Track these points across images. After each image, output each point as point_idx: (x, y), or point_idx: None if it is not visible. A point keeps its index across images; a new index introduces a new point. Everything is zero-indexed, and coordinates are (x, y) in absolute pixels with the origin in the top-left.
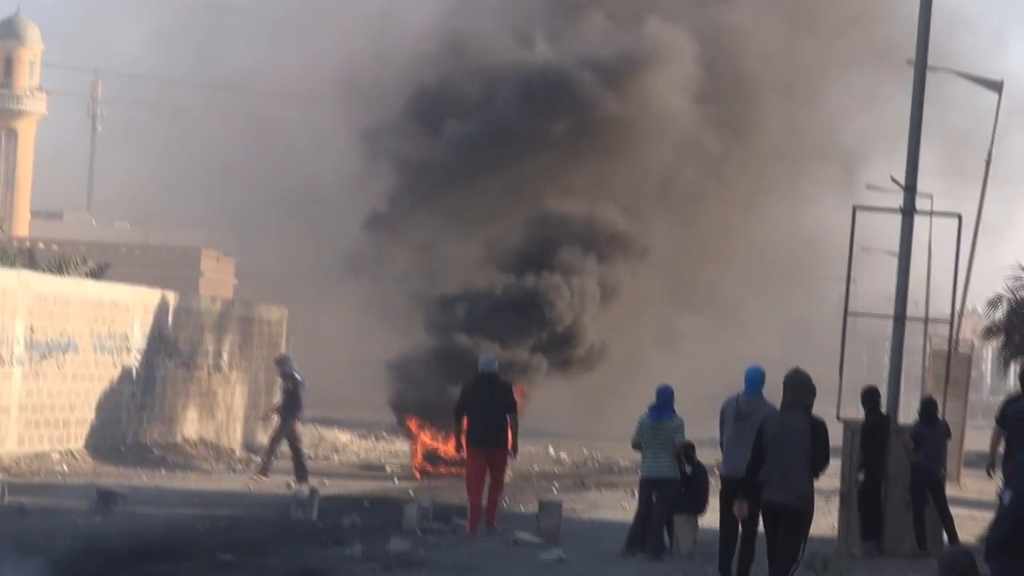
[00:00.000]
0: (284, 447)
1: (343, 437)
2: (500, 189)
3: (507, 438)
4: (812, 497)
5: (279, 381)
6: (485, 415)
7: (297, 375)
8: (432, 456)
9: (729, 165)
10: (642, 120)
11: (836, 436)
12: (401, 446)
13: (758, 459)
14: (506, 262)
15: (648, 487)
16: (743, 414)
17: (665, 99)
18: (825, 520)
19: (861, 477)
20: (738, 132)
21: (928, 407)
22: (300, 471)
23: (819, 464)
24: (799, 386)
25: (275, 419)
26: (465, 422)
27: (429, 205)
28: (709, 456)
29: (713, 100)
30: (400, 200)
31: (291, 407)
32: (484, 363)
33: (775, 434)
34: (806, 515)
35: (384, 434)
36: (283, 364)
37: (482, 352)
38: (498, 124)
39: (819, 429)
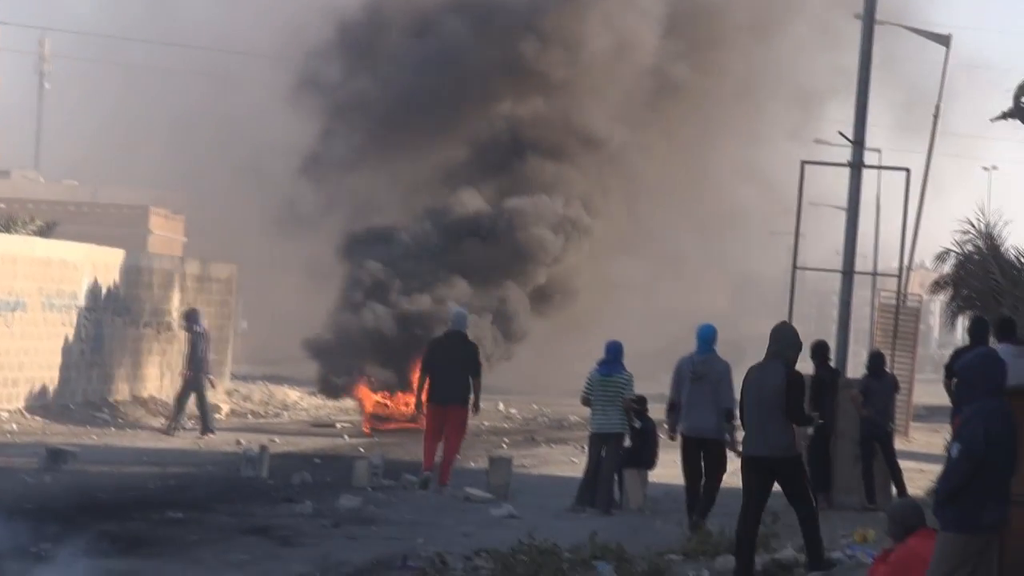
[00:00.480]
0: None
1: (293, 394)
2: (439, 125)
3: (467, 398)
4: (793, 444)
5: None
6: (448, 373)
7: (199, 328)
8: (382, 414)
9: (684, 102)
10: (588, 48)
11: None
12: (351, 403)
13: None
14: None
15: (598, 442)
16: (699, 373)
17: (614, 21)
18: None
19: (810, 431)
20: (696, 68)
21: (876, 361)
22: (206, 422)
23: (792, 414)
24: (783, 338)
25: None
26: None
27: (366, 144)
28: (660, 411)
29: (673, 33)
30: (334, 139)
31: (194, 361)
32: (454, 319)
33: (752, 386)
34: (791, 460)
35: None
36: (187, 318)
37: (452, 307)
38: (439, 53)
39: (793, 382)
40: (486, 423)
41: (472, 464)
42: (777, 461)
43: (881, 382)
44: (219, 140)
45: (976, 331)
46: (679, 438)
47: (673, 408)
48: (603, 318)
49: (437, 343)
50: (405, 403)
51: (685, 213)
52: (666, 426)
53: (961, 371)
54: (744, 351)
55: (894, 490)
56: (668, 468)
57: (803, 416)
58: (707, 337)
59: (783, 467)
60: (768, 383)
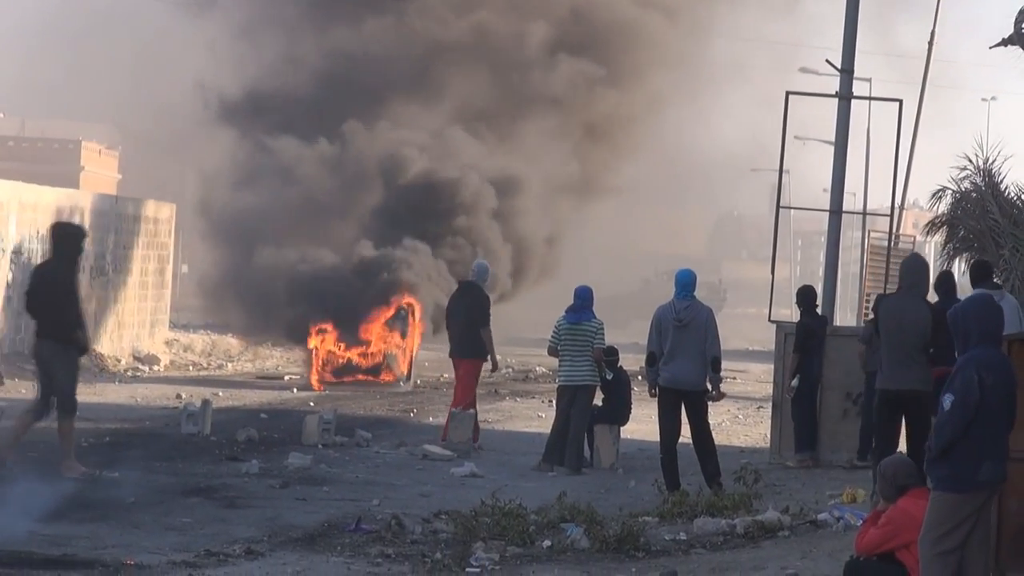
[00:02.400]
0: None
1: (237, 344)
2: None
3: (478, 351)
4: (931, 378)
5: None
6: (458, 325)
7: None
8: (335, 364)
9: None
10: None
11: (769, 339)
12: (301, 353)
13: (869, 338)
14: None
15: (566, 395)
16: (683, 320)
17: None
18: (756, 430)
19: (795, 383)
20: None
21: None
22: None
23: (939, 352)
24: (918, 270)
25: None
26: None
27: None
28: (633, 361)
29: None
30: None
31: None
32: (474, 270)
33: (892, 319)
34: (927, 396)
35: (282, 341)
36: None
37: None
38: None
39: (941, 319)
40: (445, 375)
41: (431, 419)
42: (915, 395)
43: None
44: (158, 71)
45: (977, 274)
46: (657, 391)
47: (653, 360)
48: (571, 262)
49: (453, 295)
50: (359, 353)
51: (660, 151)
52: (644, 379)
53: (954, 317)
54: (724, 297)
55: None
56: (642, 423)
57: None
58: (687, 282)
59: (917, 402)
60: (910, 317)
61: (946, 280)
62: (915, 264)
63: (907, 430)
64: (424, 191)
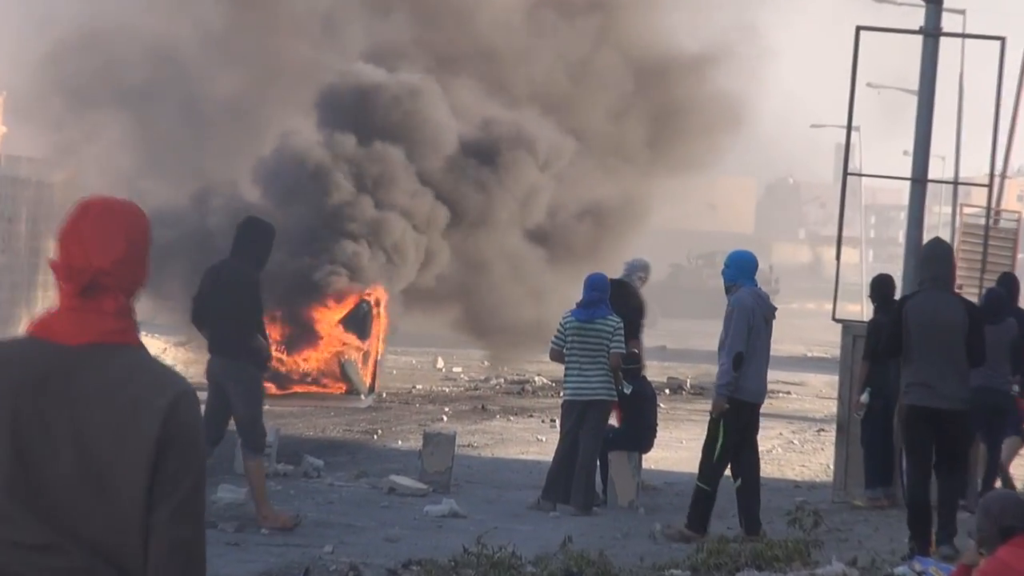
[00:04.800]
0: None
1: (155, 345)
2: None
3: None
4: (970, 394)
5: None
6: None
7: None
8: (277, 372)
9: None
10: None
11: (832, 343)
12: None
13: (889, 350)
14: None
15: (574, 413)
16: (769, 316)
17: None
18: (816, 459)
19: (865, 399)
20: None
21: (995, 300)
22: None
23: (977, 358)
24: (942, 260)
25: None
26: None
27: None
28: (659, 370)
29: None
30: None
31: None
32: (628, 264)
33: (924, 321)
34: (965, 415)
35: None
36: None
37: None
38: None
39: (978, 320)
40: (419, 386)
41: (399, 443)
42: (953, 414)
43: (998, 328)
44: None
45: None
46: (727, 407)
47: (740, 363)
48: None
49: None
50: (304, 359)
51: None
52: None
53: None
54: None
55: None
56: (669, 450)
57: (984, 357)
58: (753, 267)
59: (955, 420)
60: (944, 319)
61: (884, 284)
62: (937, 251)
63: (937, 456)
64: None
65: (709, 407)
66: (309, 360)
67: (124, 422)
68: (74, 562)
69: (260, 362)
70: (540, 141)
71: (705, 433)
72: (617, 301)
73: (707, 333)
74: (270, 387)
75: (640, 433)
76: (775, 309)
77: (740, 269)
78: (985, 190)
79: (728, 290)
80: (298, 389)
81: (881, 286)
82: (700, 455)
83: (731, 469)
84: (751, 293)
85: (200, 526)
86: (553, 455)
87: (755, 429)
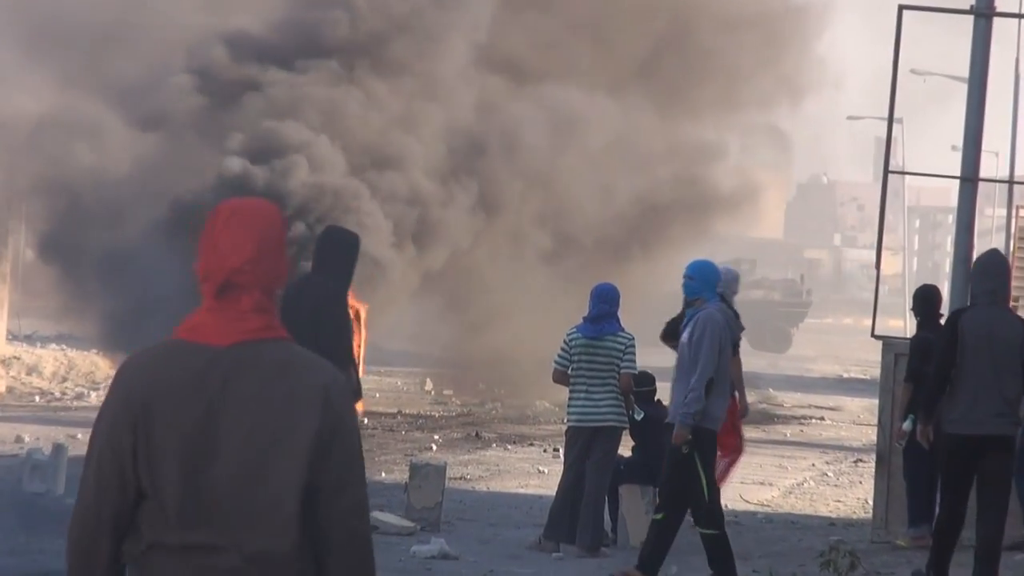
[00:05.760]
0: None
1: (106, 365)
2: None
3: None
4: (1020, 417)
5: None
6: None
7: None
8: None
9: None
10: None
11: (872, 362)
12: None
13: (946, 369)
14: None
15: (580, 441)
16: (737, 337)
17: None
18: (853, 493)
19: (908, 426)
20: None
21: None
22: None
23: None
24: (998, 272)
25: None
26: None
27: None
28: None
29: None
30: None
31: None
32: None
33: (978, 339)
34: (1012, 440)
35: None
36: None
37: None
38: None
39: None
40: (405, 410)
41: (382, 475)
42: (998, 440)
43: None
44: None
45: None
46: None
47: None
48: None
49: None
50: None
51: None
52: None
53: None
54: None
55: None
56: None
57: None
58: (718, 280)
59: (1000, 447)
60: (1003, 336)
61: (929, 297)
62: (994, 264)
63: (979, 488)
64: None
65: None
66: None
67: (281, 418)
68: (233, 562)
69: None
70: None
71: (670, 470)
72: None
73: None
74: None
75: (654, 464)
76: (743, 330)
77: (705, 282)
78: None
79: (689, 305)
80: None
81: (926, 299)
82: (680, 499)
83: (659, 501)
84: (722, 311)
85: (368, 518)
86: (556, 489)
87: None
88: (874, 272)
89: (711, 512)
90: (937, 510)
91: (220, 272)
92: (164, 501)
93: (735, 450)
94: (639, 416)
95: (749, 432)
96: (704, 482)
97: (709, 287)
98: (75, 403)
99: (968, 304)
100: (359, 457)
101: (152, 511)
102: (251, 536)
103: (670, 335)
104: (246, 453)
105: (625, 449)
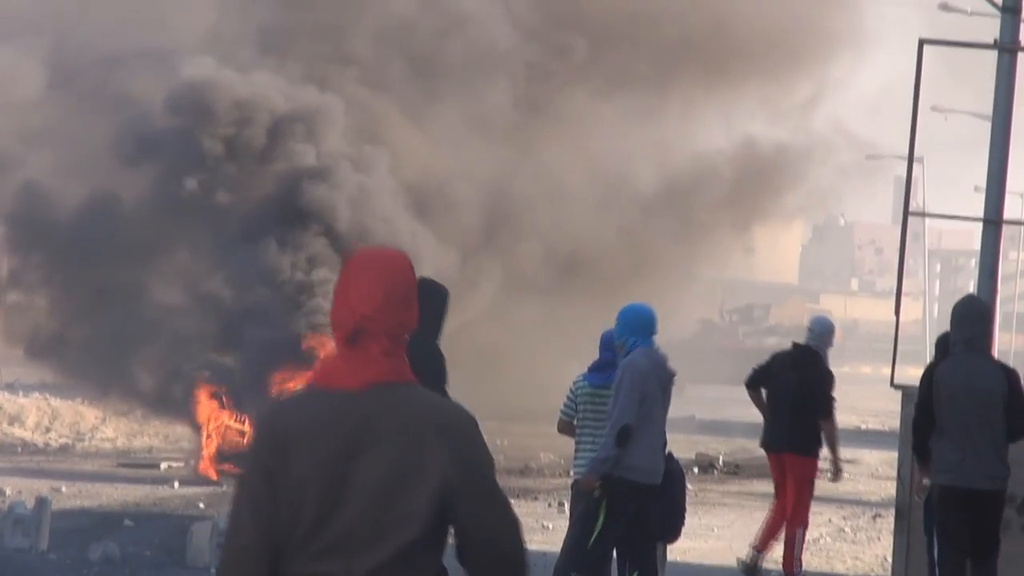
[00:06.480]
0: None
1: (91, 415)
2: None
3: (812, 444)
4: (1008, 473)
5: None
6: (786, 406)
7: None
8: (236, 446)
9: None
10: None
11: (891, 412)
12: (184, 430)
13: (927, 423)
14: None
15: (587, 495)
16: (666, 382)
17: None
18: (871, 550)
19: (928, 481)
20: None
21: None
22: None
23: (1018, 431)
24: (979, 319)
25: None
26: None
27: None
28: (687, 446)
29: None
30: None
31: None
32: (814, 328)
33: (958, 390)
34: (1001, 496)
35: (156, 409)
36: None
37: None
38: None
39: (1017, 387)
40: None
41: None
42: (988, 495)
43: None
44: None
45: None
46: (598, 484)
47: (627, 438)
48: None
49: (778, 358)
50: None
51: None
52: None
53: None
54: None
55: None
56: (700, 539)
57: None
58: (648, 323)
59: (990, 502)
60: (981, 386)
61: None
62: (973, 310)
63: (971, 543)
64: None
65: (741, 487)
66: None
67: (410, 457)
68: None
69: None
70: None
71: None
72: (805, 373)
73: (743, 401)
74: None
75: (665, 519)
76: (674, 375)
77: (632, 326)
78: None
79: (617, 350)
80: None
81: (947, 346)
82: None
83: (628, 564)
84: (645, 355)
85: (519, 542)
86: (562, 545)
87: (653, 516)
88: (893, 318)
89: (584, 557)
90: (937, 562)
91: (350, 319)
92: (299, 534)
93: (803, 512)
94: None
95: (761, 486)
96: (598, 528)
97: (635, 331)
98: (59, 455)
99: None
100: (496, 489)
101: (286, 543)
102: (367, 564)
103: (754, 384)
104: (376, 489)
105: None
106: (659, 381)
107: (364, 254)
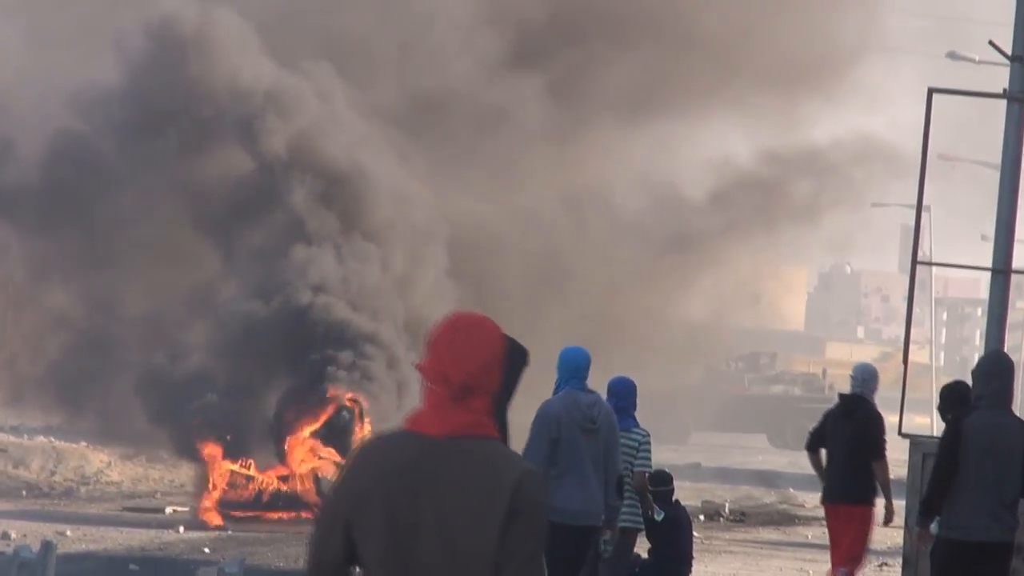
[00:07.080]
0: None
1: (97, 458)
2: None
3: (867, 492)
4: (1018, 524)
5: None
6: (842, 457)
7: None
8: (242, 491)
9: None
10: None
11: (898, 462)
12: (188, 474)
13: (950, 476)
14: None
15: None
16: (595, 422)
17: None
18: None
19: (935, 529)
20: None
21: None
22: None
23: None
24: (1004, 374)
25: None
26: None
27: None
28: (692, 494)
29: None
30: None
31: None
32: (858, 376)
33: (982, 444)
34: (1011, 547)
35: (162, 455)
36: None
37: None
38: None
39: None
40: None
41: None
42: (995, 546)
43: None
44: None
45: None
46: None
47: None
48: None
49: (831, 413)
50: (278, 475)
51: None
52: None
53: None
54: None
55: None
56: None
57: None
58: (583, 364)
59: (997, 553)
60: (1005, 443)
61: (960, 396)
62: (1000, 366)
63: None
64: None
65: (747, 535)
66: (282, 477)
67: (481, 505)
68: None
69: None
70: None
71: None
72: (858, 418)
73: (749, 448)
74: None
75: (672, 566)
76: (595, 418)
77: (564, 369)
78: None
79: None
80: (267, 513)
81: (954, 396)
82: None
83: None
84: (562, 399)
85: None
86: None
87: (597, 556)
88: (901, 367)
89: None
90: None
91: (458, 376)
92: (372, 571)
93: (855, 559)
94: (659, 517)
95: (767, 534)
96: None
97: (568, 375)
98: (63, 498)
99: (972, 405)
100: (536, 539)
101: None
102: None
103: (813, 446)
104: (444, 533)
105: (640, 549)
106: (577, 423)
107: (471, 318)
